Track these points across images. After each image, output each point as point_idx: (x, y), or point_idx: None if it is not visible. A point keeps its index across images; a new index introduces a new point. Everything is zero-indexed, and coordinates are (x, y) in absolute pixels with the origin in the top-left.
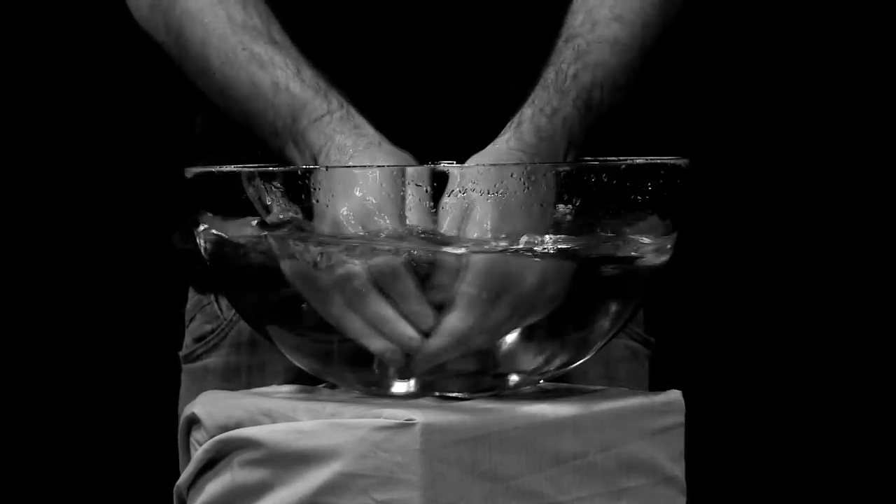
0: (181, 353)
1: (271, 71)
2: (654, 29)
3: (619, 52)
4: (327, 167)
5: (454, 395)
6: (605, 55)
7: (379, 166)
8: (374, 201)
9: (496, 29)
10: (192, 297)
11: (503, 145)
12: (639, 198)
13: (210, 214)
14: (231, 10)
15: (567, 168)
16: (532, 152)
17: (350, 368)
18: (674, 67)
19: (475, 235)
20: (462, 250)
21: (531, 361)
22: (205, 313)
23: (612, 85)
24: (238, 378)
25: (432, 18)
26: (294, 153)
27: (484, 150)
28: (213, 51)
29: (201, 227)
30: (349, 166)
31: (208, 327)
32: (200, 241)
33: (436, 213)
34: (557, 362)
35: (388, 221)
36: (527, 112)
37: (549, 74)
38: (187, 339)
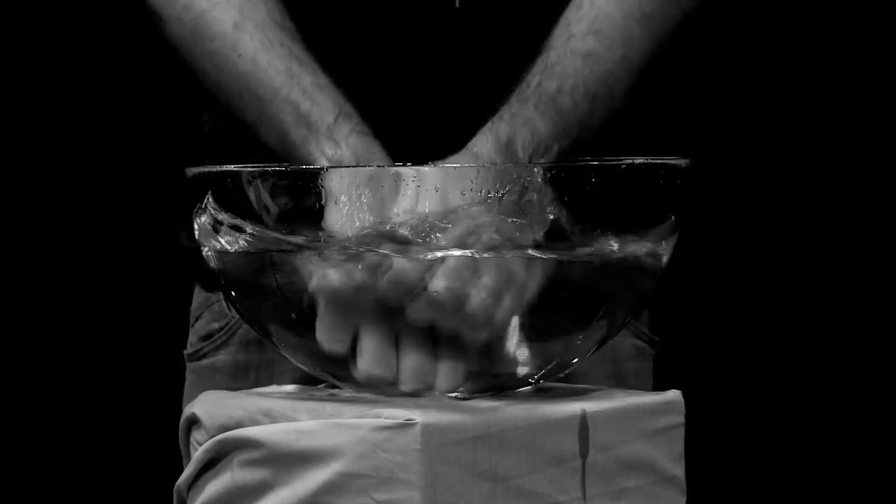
0: (185, 352)
1: (311, 72)
2: (640, 44)
3: (592, 62)
4: (327, 168)
5: (454, 395)
6: (576, 65)
7: (380, 166)
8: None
9: (492, 34)
10: (198, 295)
11: (456, 157)
12: (639, 198)
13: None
14: (269, 7)
15: (567, 168)
16: (489, 159)
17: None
18: (675, 67)
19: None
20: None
21: (531, 361)
22: (212, 311)
23: (585, 93)
24: (246, 376)
25: (427, 22)
26: (327, 148)
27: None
28: (248, 35)
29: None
30: (350, 166)
31: (216, 325)
32: (203, 243)
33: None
34: (557, 362)
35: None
36: (487, 124)
37: (517, 89)
38: (192, 338)
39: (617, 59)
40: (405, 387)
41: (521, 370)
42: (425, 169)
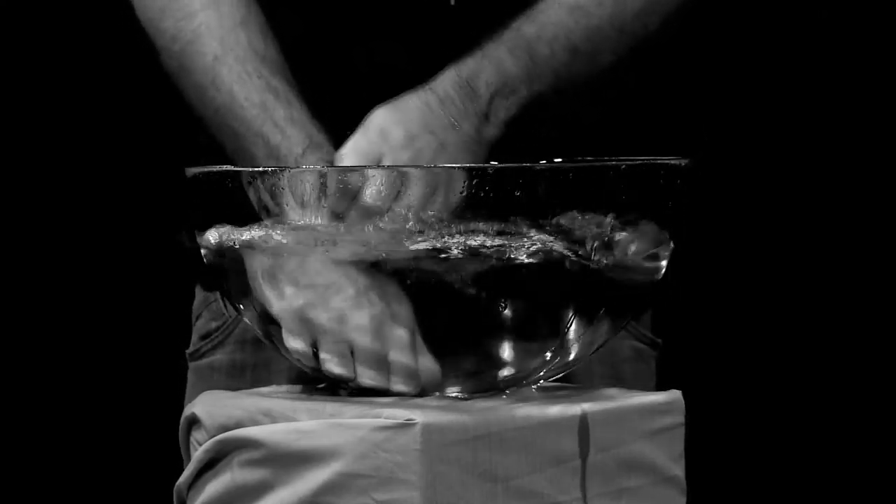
0: (188, 351)
1: (286, 105)
2: (632, 6)
3: (579, 15)
4: (328, 167)
5: (454, 395)
6: (560, 16)
7: (381, 167)
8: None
9: (458, 13)
10: (199, 294)
11: (414, 90)
12: (639, 198)
13: (212, 216)
14: (252, 38)
15: (566, 168)
16: (444, 95)
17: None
18: (674, 66)
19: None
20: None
21: (531, 361)
22: (211, 311)
23: (566, 43)
24: (243, 375)
25: (437, 24)
26: None
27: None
28: (227, 68)
29: (203, 232)
30: (350, 167)
31: (214, 324)
32: (202, 244)
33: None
34: (557, 362)
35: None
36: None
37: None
38: (194, 337)
39: (606, 15)
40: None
41: (521, 370)
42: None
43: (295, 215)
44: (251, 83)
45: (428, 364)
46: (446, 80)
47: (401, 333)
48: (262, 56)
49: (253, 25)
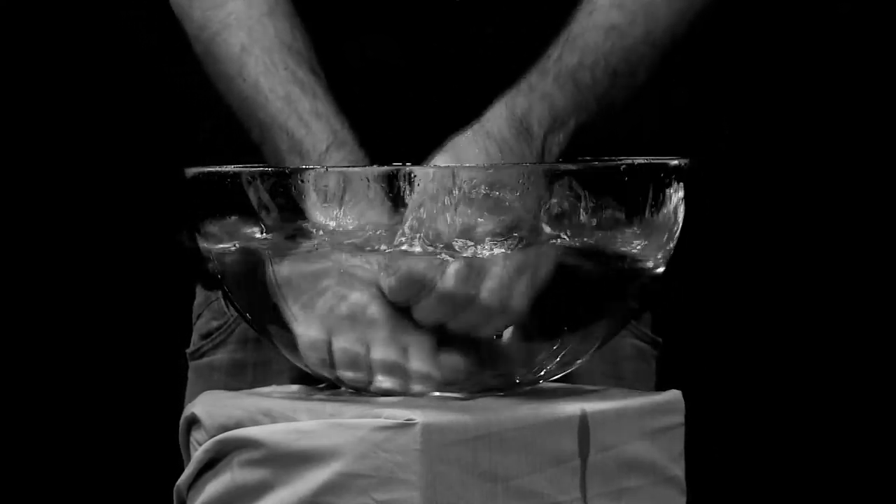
0: (188, 351)
1: (311, 98)
2: (664, 19)
3: (615, 36)
4: (327, 167)
5: (454, 395)
6: (597, 39)
7: (380, 167)
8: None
9: (497, 31)
10: (200, 294)
11: (467, 134)
12: (639, 198)
13: (212, 216)
14: (280, 28)
15: (566, 168)
16: (500, 140)
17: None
18: (677, 66)
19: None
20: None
21: (531, 361)
22: (212, 310)
23: (605, 67)
24: (244, 375)
25: (433, 19)
26: None
27: (454, 141)
28: (253, 58)
29: (203, 231)
30: (351, 167)
31: (215, 324)
32: (202, 244)
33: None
34: (558, 362)
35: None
36: (504, 96)
37: (537, 63)
38: (194, 337)
39: (640, 34)
40: (377, 357)
41: (522, 370)
42: (429, 170)
43: (318, 214)
44: (277, 75)
45: (451, 361)
46: (500, 120)
47: (419, 334)
48: (288, 47)
49: (280, 16)
